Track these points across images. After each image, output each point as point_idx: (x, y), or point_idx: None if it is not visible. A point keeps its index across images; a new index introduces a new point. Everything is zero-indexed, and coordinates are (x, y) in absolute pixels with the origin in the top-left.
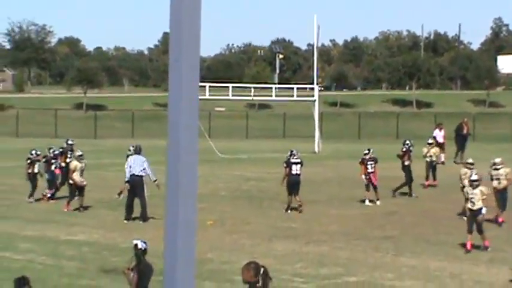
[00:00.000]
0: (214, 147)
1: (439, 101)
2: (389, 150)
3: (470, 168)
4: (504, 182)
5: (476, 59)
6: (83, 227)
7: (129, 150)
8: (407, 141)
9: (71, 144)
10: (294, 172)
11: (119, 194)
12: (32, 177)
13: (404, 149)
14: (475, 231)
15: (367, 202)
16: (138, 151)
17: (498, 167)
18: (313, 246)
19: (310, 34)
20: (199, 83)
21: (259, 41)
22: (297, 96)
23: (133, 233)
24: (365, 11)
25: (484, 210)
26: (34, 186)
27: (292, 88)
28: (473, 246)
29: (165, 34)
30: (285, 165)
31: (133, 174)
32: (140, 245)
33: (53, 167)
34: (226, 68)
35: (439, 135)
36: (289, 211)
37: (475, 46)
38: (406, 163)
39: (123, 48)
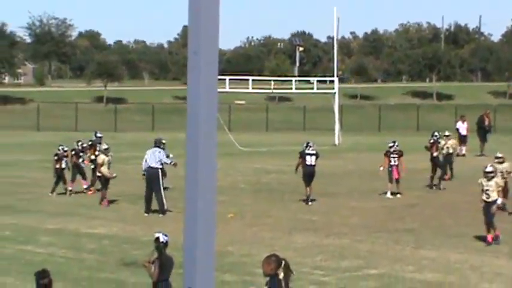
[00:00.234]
0: (234, 140)
1: (460, 93)
2: (410, 143)
3: (500, 163)
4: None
5: (497, 51)
6: (103, 220)
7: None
8: (436, 133)
9: (100, 137)
10: (308, 163)
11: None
12: (60, 173)
13: (432, 141)
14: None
15: (388, 194)
16: (156, 144)
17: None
18: (334, 238)
19: (330, 26)
20: (218, 76)
21: (279, 33)
22: (317, 88)
23: (154, 226)
24: (385, 3)
25: (499, 201)
26: (58, 181)
27: (312, 81)
28: (494, 239)
29: (185, 27)
30: (299, 155)
31: (149, 167)
32: (162, 238)
33: (80, 160)
34: (246, 61)
35: (462, 127)
36: (310, 203)
37: (496, 38)
38: (435, 154)
39: (143, 41)
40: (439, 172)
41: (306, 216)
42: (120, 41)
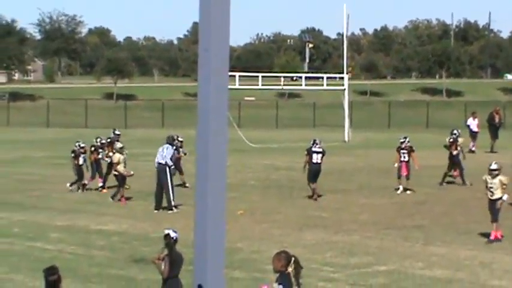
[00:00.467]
0: (244, 137)
1: (469, 89)
2: (420, 139)
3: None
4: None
5: (506, 48)
6: (113, 217)
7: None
8: (455, 131)
9: (118, 135)
10: (314, 161)
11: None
12: (78, 169)
13: (451, 139)
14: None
15: (400, 190)
16: (168, 141)
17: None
18: (343, 235)
19: (339, 23)
20: (228, 73)
21: (289, 30)
22: (327, 85)
23: (163, 222)
24: (394, 0)
25: (505, 197)
26: (80, 177)
27: (322, 77)
28: (502, 236)
29: (195, 24)
30: (305, 152)
31: (158, 163)
32: (172, 234)
33: (99, 156)
34: (255, 58)
35: (473, 124)
36: (317, 199)
37: (505, 34)
38: (454, 153)
39: (153, 38)
40: (460, 168)
41: (315, 213)
42: (130, 38)
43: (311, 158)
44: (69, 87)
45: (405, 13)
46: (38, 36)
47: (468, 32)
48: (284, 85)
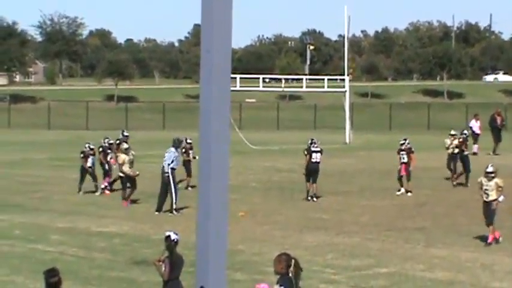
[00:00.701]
0: (245, 139)
1: (471, 91)
2: (421, 141)
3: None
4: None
5: (507, 49)
6: (114, 219)
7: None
8: (465, 131)
9: (126, 136)
10: (313, 160)
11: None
12: (91, 171)
13: (461, 139)
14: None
15: (401, 191)
16: (174, 144)
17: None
18: (344, 237)
19: (340, 25)
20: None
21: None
22: (328, 87)
23: (164, 224)
24: (396, 2)
25: (501, 198)
26: (94, 179)
27: (323, 79)
28: (495, 239)
29: (196, 26)
30: (305, 152)
31: (162, 165)
32: (173, 236)
33: (108, 157)
34: (257, 60)
35: (476, 126)
36: (309, 198)
37: (506, 36)
38: (466, 153)
39: (154, 40)
40: (467, 170)
41: (316, 215)
42: (131, 40)
43: (311, 157)
44: (70, 89)
45: (406, 15)
46: (39, 38)
47: (469, 34)
48: (285, 87)
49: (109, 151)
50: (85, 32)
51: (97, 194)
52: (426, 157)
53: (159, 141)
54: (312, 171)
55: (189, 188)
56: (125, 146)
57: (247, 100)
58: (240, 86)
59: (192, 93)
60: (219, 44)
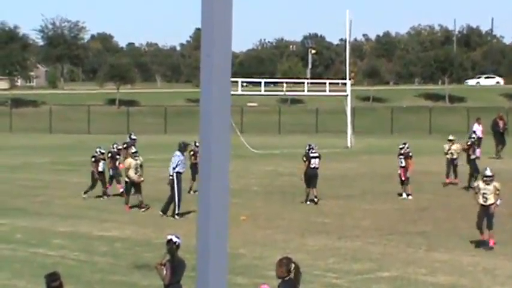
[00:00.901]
0: (246, 143)
1: (472, 95)
2: (422, 145)
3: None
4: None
5: (509, 53)
6: (115, 223)
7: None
8: (473, 135)
9: (134, 139)
10: (312, 166)
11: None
12: (98, 175)
13: (469, 143)
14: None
15: (403, 196)
16: (179, 147)
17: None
18: (346, 241)
19: (342, 29)
20: (231, 79)
21: (292, 36)
22: (330, 91)
23: (166, 228)
24: (397, 6)
25: (499, 202)
26: (94, 184)
27: (325, 83)
28: (485, 243)
29: (197, 30)
30: (304, 158)
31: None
32: (175, 239)
33: (117, 163)
34: (258, 64)
35: (478, 129)
36: (307, 202)
37: (508, 40)
38: (472, 157)
39: (156, 44)
40: (474, 173)
41: (318, 219)
42: (133, 44)
43: (310, 163)
44: (72, 93)
45: (408, 19)
46: (41, 42)
47: (471, 38)
48: (287, 91)
49: (118, 156)
50: (87, 36)
51: (102, 198)
52: (427, 161)
53: (160, 145)
54: (311, 177)
55: (191, 192)
56: (133, 150)
57: (248, 104)
58: (242, 90)
59: (194, 97)
60: (219, 48)
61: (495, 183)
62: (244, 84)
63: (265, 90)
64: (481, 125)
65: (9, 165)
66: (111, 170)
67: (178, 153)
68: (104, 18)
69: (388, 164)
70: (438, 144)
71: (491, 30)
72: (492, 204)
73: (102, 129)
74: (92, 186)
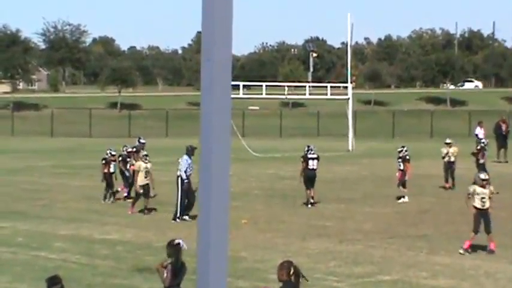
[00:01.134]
0: (247, 146)
1: (473, 99)
2: (423, 149)
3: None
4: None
5: (510, 57)
6: (116, 226)
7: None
8: (483, 140)
9: (143, 143)
10: (310, 167)
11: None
12: (108, 178)
13: (479, 147)
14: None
15: (405, 199)
16: (186, 151)
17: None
18: (347, 244)
19: (343, 32)
20: (232, 82)
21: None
22: (331, 94)
23: (167, 232)
24: (398, 9)
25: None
26: (108, 187)
27: (326, 86)
28: (471, 247)
29: (199, 33)
30: (302, 159)
31: (180, 174)
32: (182, 243)
33: (128, 165)
34: (259, 67)
35: (481, 133)
36: (309, 205)
37: (510, 44)
38: (481, 161)
39: (157, 47)
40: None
41: (319, 222)
42: (134, 47)
43: (307, 164)
44: (74, 96)
45: (409, 22)
46: (43, 46)
47: (472, 41)
48: (288, 94)
49: (128, 159)
50: (88, 40)
51: (105, 202)
52: (429, 165)
53: (162, 148)
54: (309, 178)
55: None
56: (144, 152)
57: (250, 107)
58: (243, 94)
59: (195, 100)
60: (219, 53)
61: (491, 187)
62: (245, 87)
63: (266, 94)
64: (483, 129)
65: (10, 169)
66: (126, 172)
67: (186, 157)
68: (105, 21)
69: (389, 167)
70: (439, 148)
71: (493, 33)
72: (488, 208)
73: (103, 133)
74: (107, 189)
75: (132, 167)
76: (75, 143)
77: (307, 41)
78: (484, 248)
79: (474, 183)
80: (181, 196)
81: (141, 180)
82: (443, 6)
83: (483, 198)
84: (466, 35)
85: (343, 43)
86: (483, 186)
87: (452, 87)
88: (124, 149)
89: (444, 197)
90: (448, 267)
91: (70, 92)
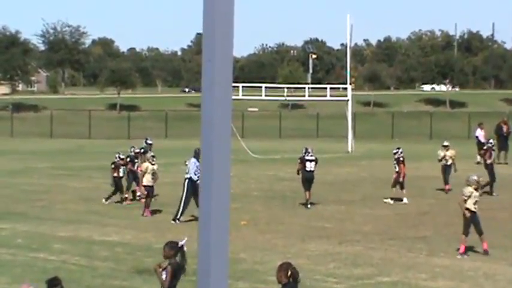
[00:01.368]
0: (246, 147)
1: (473, 100)
2: (423, 150)
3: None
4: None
5: (510, 58)
6: (116, 228)
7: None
8: (491, 140)
9: (150, 144)
10: (308, 169)
11: None
12: (118, 181)
13: (486, 148)
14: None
15: (404, 200)
16: (194, 155)
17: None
18: (347, 246)
19: (343, 34)
20: (232, 84)
21: (292, 41)
22: (330, 96)
23: (167, 233)
24: (398, 11)
25: None
26: (116, 190)
27: (325, 88)
28: (467, 248)
29: (198, 35)
30: (299, 161)
31: (189, 177)
32: (181, 244)
33: (135, 166)
34: (259, 68)
35: (481, 134)
36: (308, 206)
37: (509, 45)
38: (488, 162)
39: (157, 48)
40: (491, 179)
41: (318, 224)
42: (134, 49)
43: (304, 166)
44: (73, 98)
45: (408, 24)
46: (42, 47)
47: (472, 43)
48: (287, 96)
49: (136, 160)
50: (88, 41)
51: (106, 202)
52: (428, 166)
53: (161, 150)
54: (307, 180)
55: None
56: (150, 154)
57: (249, 109)
58: (243, 95)
59: (194, 101)
60: (220, 54)
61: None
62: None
63: (266, 95)
64: (483, 130)
65: (9, 170)
66: (131, 174)
67: (193, 159)
68: (105, 23)
69: (388, 169)
70: (439, 150)
71: (492, 35)
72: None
73: (103, 134)
74: (121, 191)
75: (139, 168)
76: (75, 144)
77: (306, 43)
78: (490, 247)
79: (469, 185)
80: (185, 198)
81: (147, 181)
82: (443, 8)
83: (477, 201)
84: (466, 36)
85: (342, 44)
86: (476, 189)
87: (427, 88)
88: (132, 150)
89: (444, 198)
90: (447, 268)
91: (69, 93)
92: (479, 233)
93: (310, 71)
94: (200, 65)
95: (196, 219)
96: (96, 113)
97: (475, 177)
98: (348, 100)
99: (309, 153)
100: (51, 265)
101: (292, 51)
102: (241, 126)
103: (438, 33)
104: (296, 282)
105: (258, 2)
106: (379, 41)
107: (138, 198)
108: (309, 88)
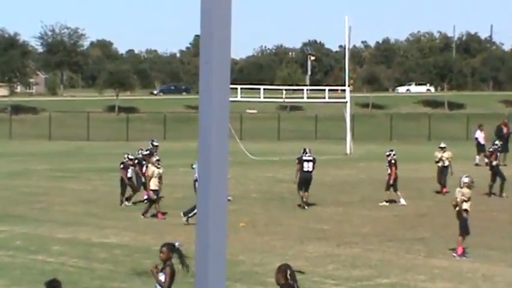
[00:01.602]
0: (244, 149)
1: (471, 102)
2: (421, 152)
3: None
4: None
5: (508, 60)
6: (115, 230)
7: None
8: (496, 142)
9: (156, 146)
10: (305, 169)
11: None
12: (128, 182)
13: (491, 149)
14: None
15: (402, 201)
16: None
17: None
18: (345, 247)
19: (341, 36)
20: (230, 85)
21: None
22: (329, 97)
23: (165, 235)
24: (396, 12)
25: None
26: (134, 190)
27: (324, 90)
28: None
29: (197, 37)
30: (297, 161)
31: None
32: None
33: (143, 169)
34: (257, 70)
35: (481, 136)
36: (306, 207)
37: (507, 47)
38: (494, 163)
39: (155, 50)
40: (498, 180)
41: (317, 225)
42: (132, 51)
43: (302, 166)
44: (71, 100)
45: (407, 25)
46: (41, 49)
47: (470, 45)
48: (286, 98)
49: (144, 162)
50: (86, 43)
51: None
52: (426, 168)
53: (160, 151)
54: (305, 180)
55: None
56: (156, 158)
57: (248, 111)
58: (241, 97)
59: (193, 103)
60: (218, 55)
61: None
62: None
63: (264, 97)
64: (483, 132)
65: (8, 172)
66: (143, 177)
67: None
68: (103, 25)
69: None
70: (436, 151)
71: (491, 37)
72: None
73: (101, 136)
74: (123, 193)
75: (146, 173)
76: (73, 146)
77: (305, 45)
78: (482, 249)
79: (467, 187)
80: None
81: (154, 185)
82: (441, 10)
83: (470, 202)
84: (464, 38)
85: (341, 46)
86: (470, 190)
87: (402, 90)
88: (139, 152)
89: (442, 200)
90: (446, 270)
91: (68, 95)
92: (467, 233)
93: (309, 72)
94: (198, 67)
95: None
96: (94, 115)
97: (467, 179)
98: (346, 102)
99: (307, 153)
100: (49, 267)
101: (290, 53)
102: (240, 128)
103: (436, 34)
104: (295, 282)
105: (256, 3)
106: (377, 42)
107: (145, 201)
108: (307, 90)
